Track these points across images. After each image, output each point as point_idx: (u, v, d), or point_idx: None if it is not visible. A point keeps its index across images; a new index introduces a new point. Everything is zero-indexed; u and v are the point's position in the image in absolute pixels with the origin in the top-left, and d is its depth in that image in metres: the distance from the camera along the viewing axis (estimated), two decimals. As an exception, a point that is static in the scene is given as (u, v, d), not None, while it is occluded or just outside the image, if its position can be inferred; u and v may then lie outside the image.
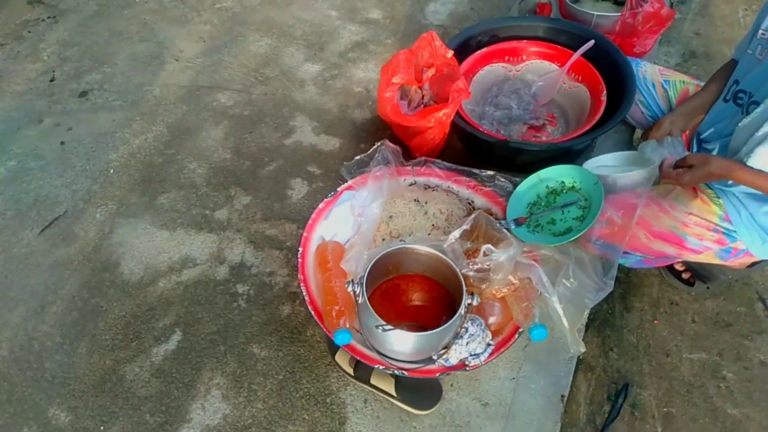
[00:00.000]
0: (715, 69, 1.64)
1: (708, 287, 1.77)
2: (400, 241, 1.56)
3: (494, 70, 2.00)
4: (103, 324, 1.58)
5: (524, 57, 1.99)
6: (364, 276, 1.35)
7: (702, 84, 1.74)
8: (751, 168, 1.29)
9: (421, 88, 1.80)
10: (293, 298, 1.63)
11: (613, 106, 1.76)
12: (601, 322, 1.74)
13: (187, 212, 1.82)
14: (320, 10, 2.44)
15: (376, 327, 1.24)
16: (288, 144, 1.99)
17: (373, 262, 1.41)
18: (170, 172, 1.92)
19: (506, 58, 1.99)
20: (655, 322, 1.73)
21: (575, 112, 1.92)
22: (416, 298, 1.52)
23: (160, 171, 1.93)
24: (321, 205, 1.69)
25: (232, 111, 2.10)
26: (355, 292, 1.34)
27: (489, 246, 1.40)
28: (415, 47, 1.74)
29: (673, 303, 1.77)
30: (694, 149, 1.61)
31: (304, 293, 1.49)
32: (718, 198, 1.45)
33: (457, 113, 1.76)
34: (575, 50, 1.85)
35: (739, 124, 1.37)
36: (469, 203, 1.72)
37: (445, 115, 1.66)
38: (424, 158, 1.79)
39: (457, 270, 1.37)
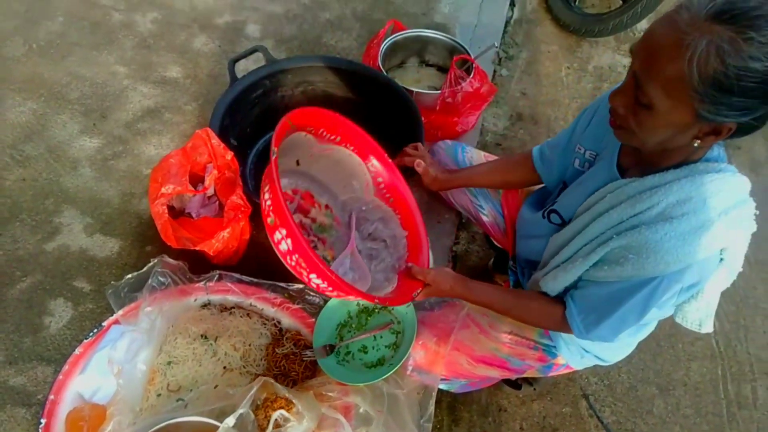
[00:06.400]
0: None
1: (534, 388, 1.69)
2: (178, 400, 1.25)
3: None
4: None
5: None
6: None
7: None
8: (485, 289, 1.28)
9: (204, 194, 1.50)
10: (41, 478, 1.25)
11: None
12: (429, 441, 1.58)
13: None
14: (105, 65, 2.01)
15: None
16: (50, 250, 1.58)
17: (135, 442, 1.11)
18: None
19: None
20: (484, 435, 1.61)
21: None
22: (204, 463, 1.23)
23: None
24: (78, 350, 1.33)
25: (-25, 205, 1.64)
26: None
27: (282, 413, 1.16)
28: (190, 147, 1.43)
29: (501, 409, 1.66)
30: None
31: (44, 488, 1.14)
32: (536, 313, 1.34)
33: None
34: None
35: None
36: (275, 324, 1.47)
37: (217, 240, 1.39)
38: (218, 272, 1.50)
39: (242, 450, 1.10)
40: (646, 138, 0.95)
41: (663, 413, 1.70)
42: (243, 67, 1.79)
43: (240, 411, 1.07)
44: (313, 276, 1.18)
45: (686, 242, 0.96)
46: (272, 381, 1.17)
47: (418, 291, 1.28)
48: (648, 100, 0.89)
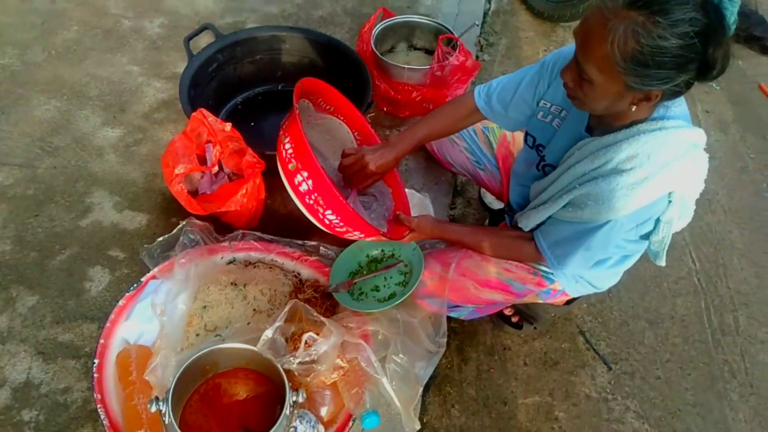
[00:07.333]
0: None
1: (535, 327, 1.83)
2: (216, 336, 1.40)
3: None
4: None
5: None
6: (169, 391, 1.18)
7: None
8: (459, 228, 1.54)
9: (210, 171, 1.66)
10: (95, 417, 1.38)
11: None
12: (441, 379, 1.72)
13: (-48, 325, 1.49)
14: (119, 66, 2.19)
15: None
16: (84, 226, 1.73)
17: (182, 369, 1.25)
18: (-71, 274, 1.57)
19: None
20: (491, 371, 1.75)
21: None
22: (241, 394, 1.37)
23: None
24: (121, 302, 1.47)
25: (13, 191, 1.79)
26: (160, 411, 1.16)
27: (311, 334, 1.30)
28: (189, 129, 1.60)
29: (505, 348, 1.81)
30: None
31: (103, 416, 1.27)
32: (533, 242, 1.50)
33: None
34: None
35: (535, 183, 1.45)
36: (296, 276, 1.62)
37: (242, 196, 1.54)
38: (241, 231, 1.66)
39: (279, 367, 1.25)
40: (593, 105, 1.15)
41: (654, 343, 1.86)
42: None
43: (277, 324, 1.22)
44: (328, 212, 1.34)
45: (633, 191, 1.15)
46: (302, 303, 1.31)
47: (407, 233, 1.48)
48: (587, 75, 1.08)
